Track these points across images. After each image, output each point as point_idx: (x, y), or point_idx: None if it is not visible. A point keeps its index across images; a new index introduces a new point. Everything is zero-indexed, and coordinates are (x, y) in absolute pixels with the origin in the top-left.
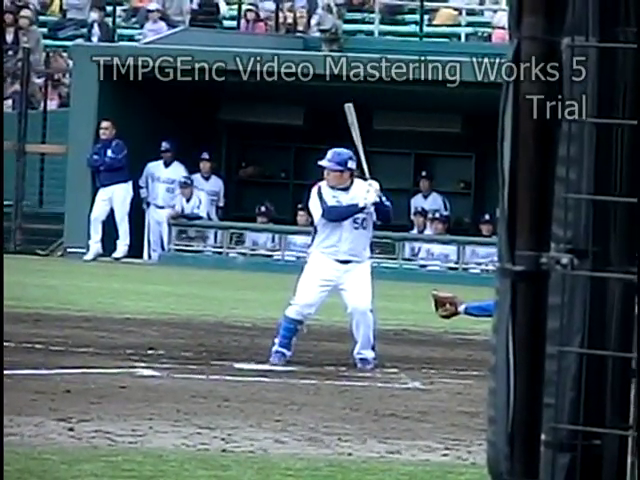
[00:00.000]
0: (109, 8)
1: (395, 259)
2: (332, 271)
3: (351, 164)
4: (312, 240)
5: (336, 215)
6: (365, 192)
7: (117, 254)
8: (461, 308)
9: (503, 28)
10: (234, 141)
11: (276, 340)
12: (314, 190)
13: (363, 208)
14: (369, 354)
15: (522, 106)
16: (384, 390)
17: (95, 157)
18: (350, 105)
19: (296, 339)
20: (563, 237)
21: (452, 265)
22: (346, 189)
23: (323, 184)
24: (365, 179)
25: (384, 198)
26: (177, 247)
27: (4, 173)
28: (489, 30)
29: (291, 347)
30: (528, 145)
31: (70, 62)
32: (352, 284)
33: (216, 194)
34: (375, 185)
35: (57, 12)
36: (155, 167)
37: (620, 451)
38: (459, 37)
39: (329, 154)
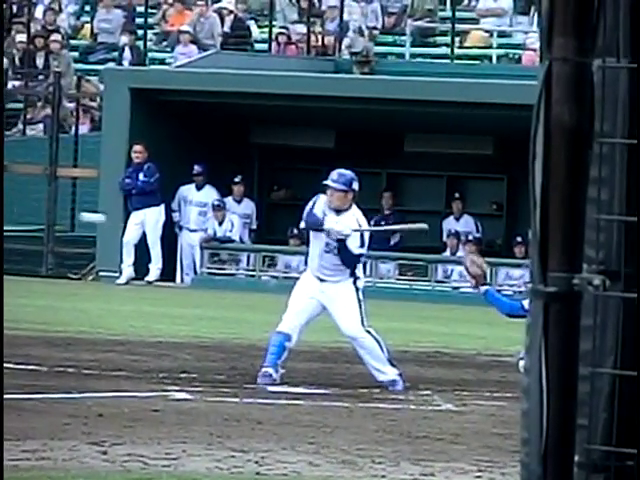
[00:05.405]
0: (140, 32)
1: (428, 281)
2: (313, 286)
3: (355, 185)
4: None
5: (306, 219)
6: (352, 222)
7: (150, 277)
8: (483, 288)
9: (534, 50)
10: (266, 164)
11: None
12: (310, 202)
13: (322, 230)
14: (390, 371)
15: (553, 128)
16: (417, 412)
17: (127, 181)
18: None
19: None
20: (595, 258)
21: None
22: (339, 212)
23: (320, 200)
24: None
25: (357, 243)
26: (209, 270)
27: (36, 197)
28: (520, 52)
29: (278, 368)
30: (560, 166)
31: (101, 86)
32: (336, 308)
33: (248, 217)
34: (360, 221)
35: (88, 36)
36: (187, 190)
37: None
38: (490, 59)
39: (334, 174)
